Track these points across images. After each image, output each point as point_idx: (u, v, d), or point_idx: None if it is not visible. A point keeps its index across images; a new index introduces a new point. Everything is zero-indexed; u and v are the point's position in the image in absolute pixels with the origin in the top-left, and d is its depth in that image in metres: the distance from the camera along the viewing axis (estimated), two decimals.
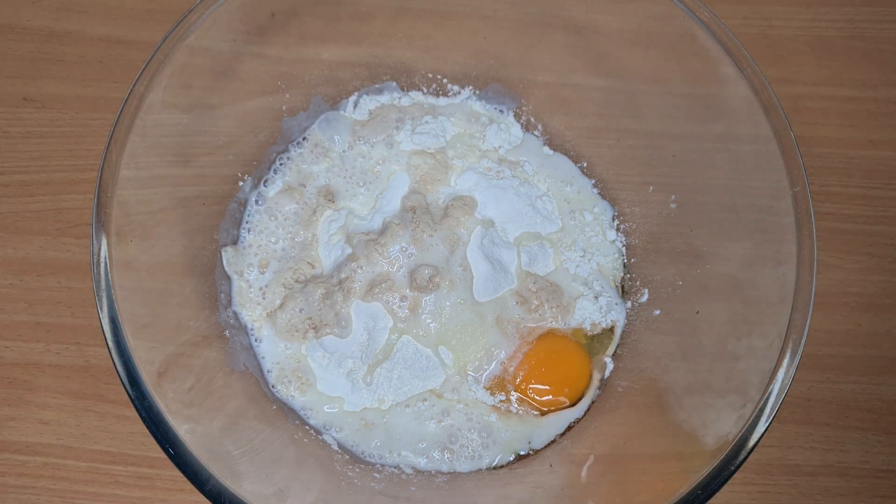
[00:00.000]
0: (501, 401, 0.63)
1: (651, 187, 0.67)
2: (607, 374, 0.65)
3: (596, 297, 0.66)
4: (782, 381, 0.50)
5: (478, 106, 0.73)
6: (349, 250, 0.64)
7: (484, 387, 0.63)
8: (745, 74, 0.54)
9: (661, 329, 0.64)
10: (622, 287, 0.68)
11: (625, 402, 0.63)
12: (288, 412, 0.62)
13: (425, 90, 0.73)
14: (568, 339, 0.65)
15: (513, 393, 0.63)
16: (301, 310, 0.63)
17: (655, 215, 0.67)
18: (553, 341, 0.64)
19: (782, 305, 0.51)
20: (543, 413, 0.63)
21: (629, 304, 0.67)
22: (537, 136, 0.73)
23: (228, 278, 0.65)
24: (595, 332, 0.66)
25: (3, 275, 0.68)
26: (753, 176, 0.57)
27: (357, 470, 0.60)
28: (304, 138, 0.70)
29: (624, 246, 0.69)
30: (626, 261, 0.69)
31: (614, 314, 0.66)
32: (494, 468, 0.62)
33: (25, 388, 0.65)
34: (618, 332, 0.66)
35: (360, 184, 0.69)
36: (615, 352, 0.66)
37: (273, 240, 0.67)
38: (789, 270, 0.52)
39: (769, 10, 0.77)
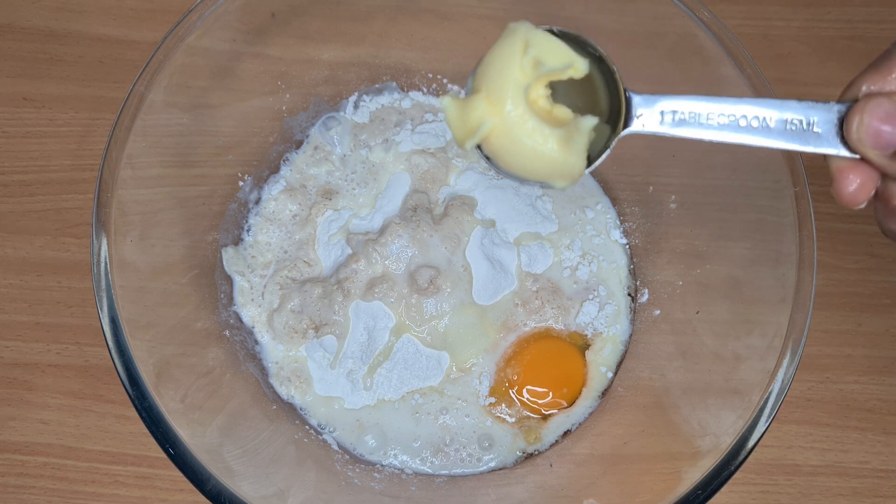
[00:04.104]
0: (496, 402, 0.63)
1: (651, 187, 0.67)
2: (608, 376, 0.65)
3: (602, 305, 0.65)
4: (782, 381, 0.50)
5: None
6: (349, 251, 0.64)
7: (483, 389, 0.63)
8: (745, 74, 0.54)
9: (661, 329, 0.64)
10: (631, 296, 0.67)
11: (625, 402, 0.63)
12: (288, 412, 0.62)
13: (425, 90, 0.73)
14: (562, 339, 0.65)
15: (512, 395, 0.63)
16: (300, 310, 0.63)
17: (655, 215, 0.67)
18: (548, 343, 0.64)
19: (782, 305, 0.51)
20: (544, 416, 0.63)
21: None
22: None
23: (228, 278, 0.65)
24: (595, 338, 0.65)
25: (3, 275, 0.68)
26: (753, 176, 0.57)
27: (357, 470, 0.60)
28: (304, 140, 0.70)
29: (626, 245, 0.69)
30: (628, 264, 0.69)
31: (619, 326, 0.65)
32: (494, 469, 0.62)
33: (25, 388, 0.65)
34: (621, 346, 0.65)
35: (361, 184, 0.69)
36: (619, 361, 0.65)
37: (273, 240, 0.67)
38: (789, 270, 0.52)
39: (769, 10, 0.77)
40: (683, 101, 0.41)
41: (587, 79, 0.42)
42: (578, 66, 0.40)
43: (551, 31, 0.42)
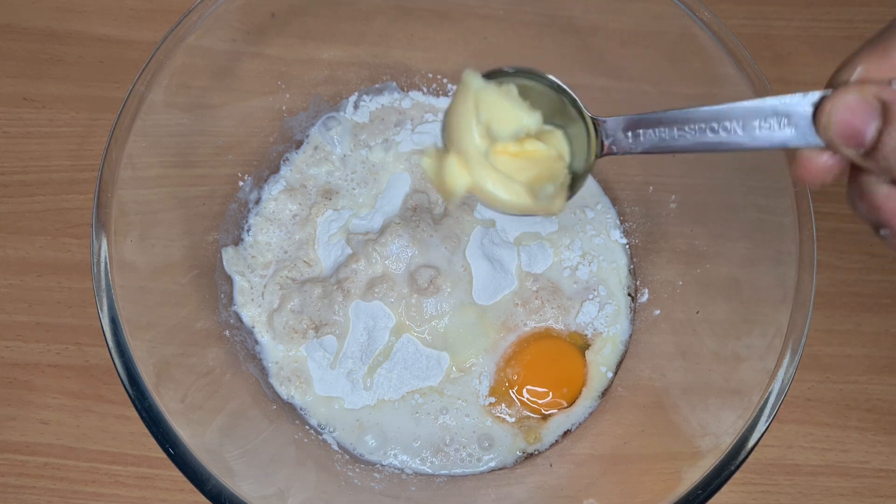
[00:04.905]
0: (496, 402, 0.63)
1: (651, 187, 0.67)
2: (608, 376, 0.65)
3: (602, 305, 0.65)
4: (782, 381, 0.50)
5: None
6: (349, 251, 0.64)
7: (483, 389, 0.63)
8: (745, 74, 0.54)
9: (661, 329, 0.64)
10: (631, 296, 0.67)
11: (625, 402, 0.63)
12: (288, 412, 0.62)
13: (425, 90, 0.73)
14: (562, 339, 0.65)
15: (512, 395, 0.63)
16: (300, 310, 0.63)
17: (655, 215, 0.67)
18: (548, 343, 0.64)
19: (782, 305, 0.51)
20: (544, 416, 0.63)
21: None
22: None
23: (229, 278, 0.65)
24: (595, 338, 0.65)
25: (3, 275, 0.68)
26: (753, 176, 0.57)
27: (357, 470, 0.60)
28: (304, 140, 0.70)
29: (626, 245, 0.69)
30: (628, 263, 0.69)
31: (619, 326, 0.65)
32: (494, 469, 0.62)
33: (25, 388, 0.65)
34: (621, 346, 0.65)
35: (361, 184, 0.69)
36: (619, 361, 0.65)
37: (273, 240, 0.67)
38: (789, 270, 0.52)
39: (769, 10, 0.77)
40: (648, 117, 0.41)
41: (561, 98, 0.43)
42: (530, 126, 0.41)
43: (504, 73, 0.43)
